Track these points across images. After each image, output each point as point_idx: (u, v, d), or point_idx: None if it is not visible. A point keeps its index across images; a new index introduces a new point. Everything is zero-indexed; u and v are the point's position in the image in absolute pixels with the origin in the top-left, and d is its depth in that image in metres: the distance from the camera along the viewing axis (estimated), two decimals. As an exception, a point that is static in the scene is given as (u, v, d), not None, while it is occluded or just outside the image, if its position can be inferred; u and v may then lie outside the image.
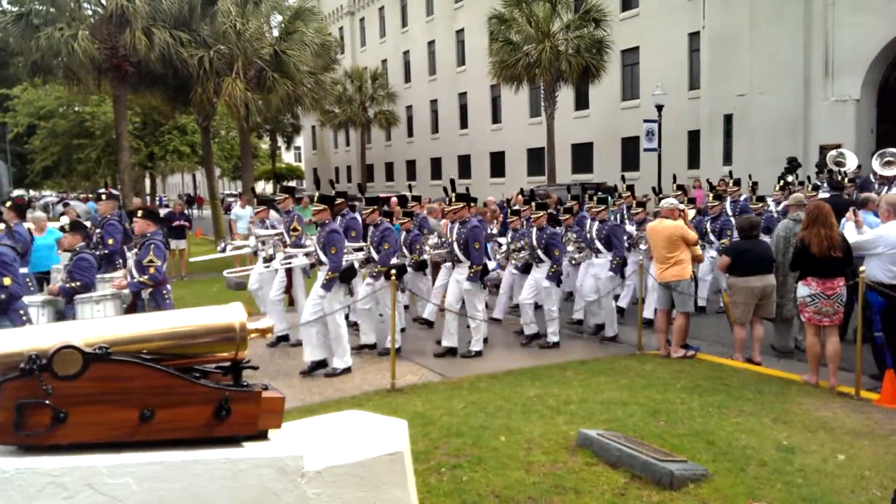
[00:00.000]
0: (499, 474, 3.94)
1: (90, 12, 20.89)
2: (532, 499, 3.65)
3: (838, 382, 5.94)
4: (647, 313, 8.61)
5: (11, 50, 24.47)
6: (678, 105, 22.97)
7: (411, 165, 40.88)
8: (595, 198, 8.82)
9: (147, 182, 34.95)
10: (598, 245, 8.33)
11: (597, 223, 8.43)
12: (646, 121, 22.48)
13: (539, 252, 8.00)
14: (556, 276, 7.95)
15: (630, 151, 26.45)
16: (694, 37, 23.37)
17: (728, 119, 20.83)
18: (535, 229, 8.08)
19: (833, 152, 13.40)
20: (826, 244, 5.86)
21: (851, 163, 12.73)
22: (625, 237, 8.67)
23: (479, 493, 3.72)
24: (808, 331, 6.19)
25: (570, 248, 8.66)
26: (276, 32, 23.44)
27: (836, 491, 3.78)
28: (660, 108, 21.25)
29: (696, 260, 7.77)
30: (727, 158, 20.70)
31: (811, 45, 19.05)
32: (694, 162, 22.99)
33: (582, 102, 28.68)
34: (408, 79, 40.60)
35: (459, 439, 4.53)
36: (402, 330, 7.59)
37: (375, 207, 7.86)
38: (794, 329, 7.57)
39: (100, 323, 2.36)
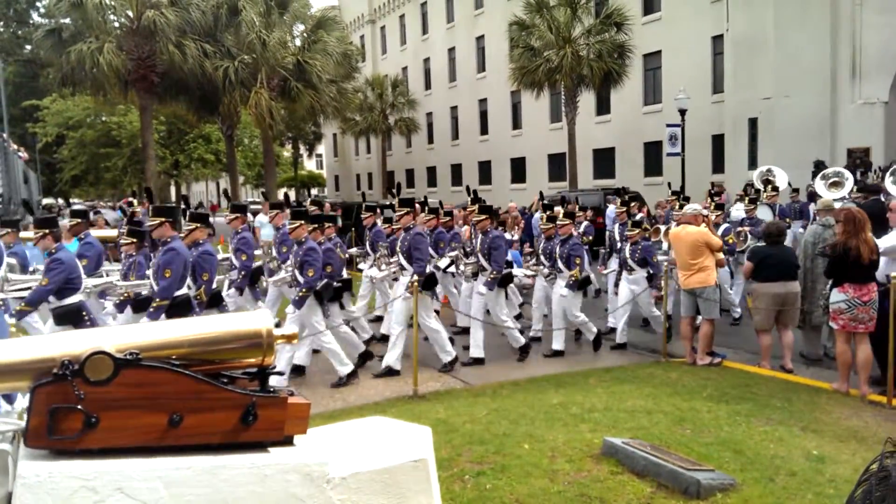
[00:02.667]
0: (523, 482, 3.91)
1: (117, 25, 21.34)
2: (557, 507, 3.62)
3: (870, 391, 5.81)
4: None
5: (42, 62, 25.10)
6: (702, 109, 22.74)
7: (432, 172, 40.97)
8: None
9: (172, 189, 35.49)
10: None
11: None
12: (669, 125, 22.26)
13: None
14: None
15: (653, 156, 26.23)
16: (717, 40, 23.13)
17: (753, 123, 20.54)
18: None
19: (762, 168, 13.19)
20: (867, 249, 5.77)
21: (781, 180, 12.43)
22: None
23: (503, 501, 3.70)
24: (840, 338, 6.07)
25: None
26: (298, 42, 23.74)
27: (869, 502, 3.69)
28: (683, 112, 21.05)
29: (718, 265, 7.67)
30: (752, 163, 20.40)
31: (838, 47, 18.74)
32: (718, 166, 22.71)
33: (603, 107, 28.52)
34: (428, 86, 40.74)
35: (482, 447, 4.51)
36: (425, 339, 7.51)
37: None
38: (822, 336, 7.43)
39: (130, 329, 2.40)
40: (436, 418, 5.22)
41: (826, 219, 7.34)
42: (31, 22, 37.16)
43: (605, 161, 28.84)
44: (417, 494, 2.50)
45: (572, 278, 7.69)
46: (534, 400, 5.76)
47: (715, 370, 6.86)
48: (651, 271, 8.11)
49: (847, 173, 11.20)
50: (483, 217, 7.82)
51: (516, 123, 34.37)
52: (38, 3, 38.22)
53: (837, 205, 7.78)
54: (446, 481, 3.85)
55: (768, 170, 12.95)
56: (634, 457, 4.04)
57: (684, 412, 5.24)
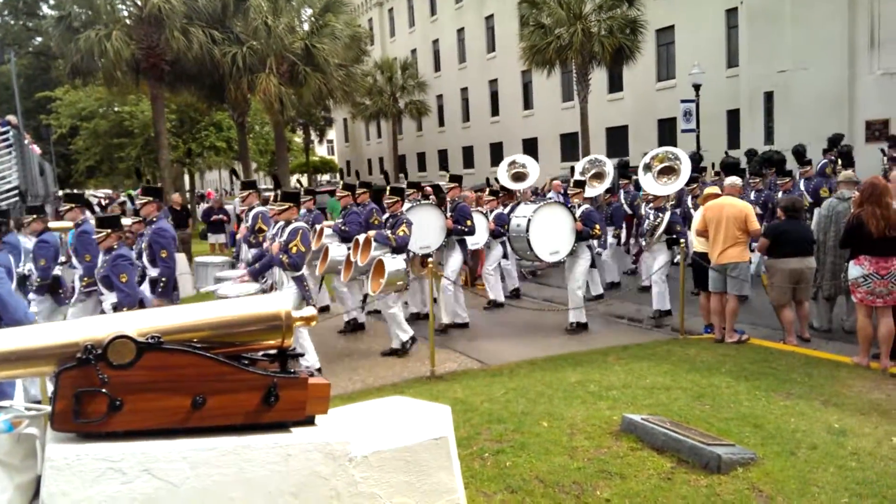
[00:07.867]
0: (542, 459, 3.92)
1: (125, 13, 21.33)
2: (577, 483, 3.63)
3: (891, 364, 5.75)
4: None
5: (53, 53, 25.16)
6: (716, 84, 22.40)
7: (443, 155, 40.83)
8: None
9: (186, 178, 35.63)
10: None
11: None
12: (683, 101, 21.99)
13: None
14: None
15: (667, 133, 25.93)
16: (731, 13, 22.73)
17: (769, 96, 20.22)
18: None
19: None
20: (882, 224, 5.66)
21: (533, 173, 10.80)
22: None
23: (523, 478, 3.71)
24: (860, 312, 6.00)
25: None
26: (306, 26, 23.62)
27: (891, 474, 3.66)
28: (697, 87, 20.76)
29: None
30: (769, 137, 20.12)
31: (856, 17, 18.33)
32: (734, 142, 22.41)
33: (616, 84, 28.20)
34: (438, 68, 40.46)
35: (501, 425, 4.53)
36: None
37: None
38: (836, 309, 7.38)
39: (151, 313, 2.42)
40: (454, 398, 5.25)
41: (842, 192, 7.22)
42: (41, 14, 37.24)
43: (618, 139, 28.55)
44: (438, 472, 2.52)
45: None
46: (551, 378, 5.76)
47: (733, 346, 6.82)
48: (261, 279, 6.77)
49: (606, 161, 10.99)
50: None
51: (527, 103, 34.09)
52: (46, -5, 38.25)
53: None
54: (466, 459, 3.88)
55: (513, 161, 11.19)
56: (654, 433, 4.04)
57: (703, 388, 5.22)
